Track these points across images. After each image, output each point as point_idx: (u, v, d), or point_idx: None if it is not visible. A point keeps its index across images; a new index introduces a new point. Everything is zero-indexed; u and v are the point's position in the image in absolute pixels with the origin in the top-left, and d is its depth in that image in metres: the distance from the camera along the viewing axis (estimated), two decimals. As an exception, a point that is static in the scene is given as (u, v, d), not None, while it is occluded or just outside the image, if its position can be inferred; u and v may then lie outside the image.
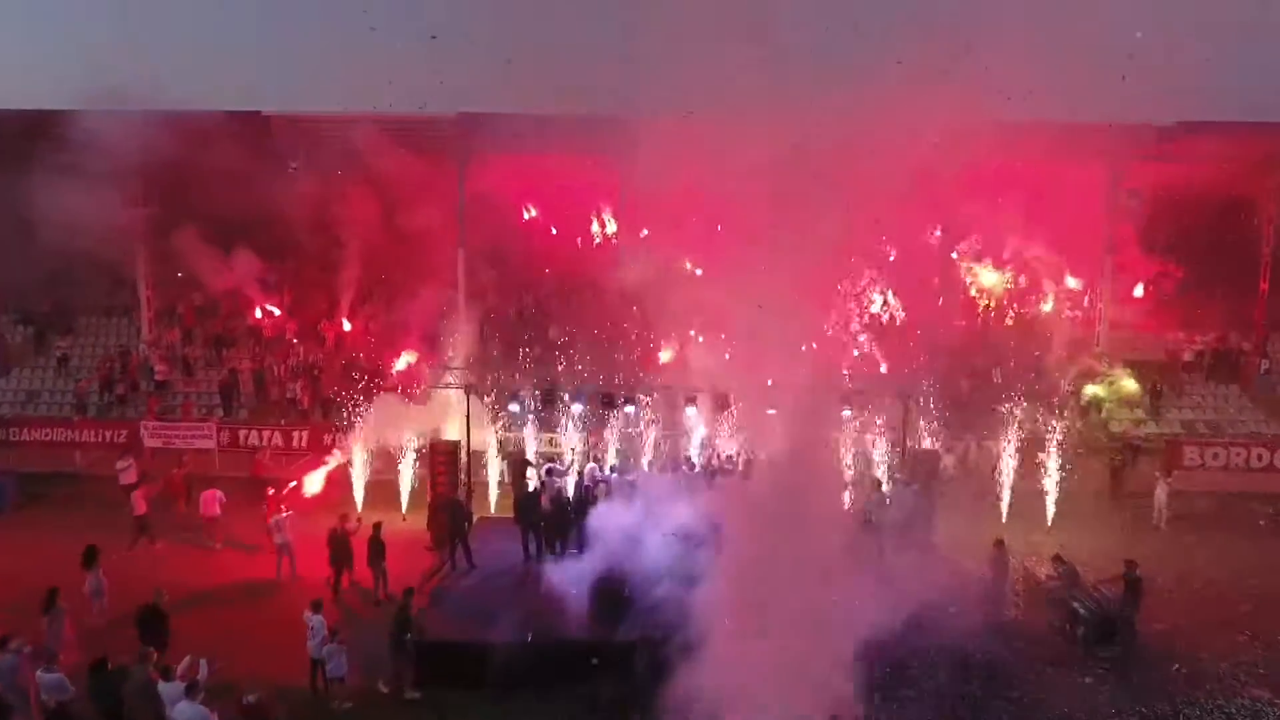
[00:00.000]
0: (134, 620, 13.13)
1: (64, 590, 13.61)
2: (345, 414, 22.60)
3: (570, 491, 17.67)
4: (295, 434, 24.52)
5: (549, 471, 17.90)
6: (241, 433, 24.72)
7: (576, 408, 19.02)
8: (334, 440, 22.69)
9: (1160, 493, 20.88)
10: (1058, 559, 15.86)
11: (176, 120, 25.09)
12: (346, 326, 29.63)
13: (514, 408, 18.91)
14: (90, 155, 23.49)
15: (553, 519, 16.38)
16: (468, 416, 19.03)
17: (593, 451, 20.04)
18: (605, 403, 18.99)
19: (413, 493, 21.12)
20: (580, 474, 18.22)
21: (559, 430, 20.02)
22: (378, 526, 16.65)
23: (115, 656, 11.77)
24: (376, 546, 16.56)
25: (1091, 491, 22.01)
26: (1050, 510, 20.81)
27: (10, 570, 16.90)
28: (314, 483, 20.35)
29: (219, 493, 19.26)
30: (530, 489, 18.00)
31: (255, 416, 25.89)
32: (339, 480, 21.11)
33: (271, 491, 18.59)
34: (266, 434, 24.50)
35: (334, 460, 21.08)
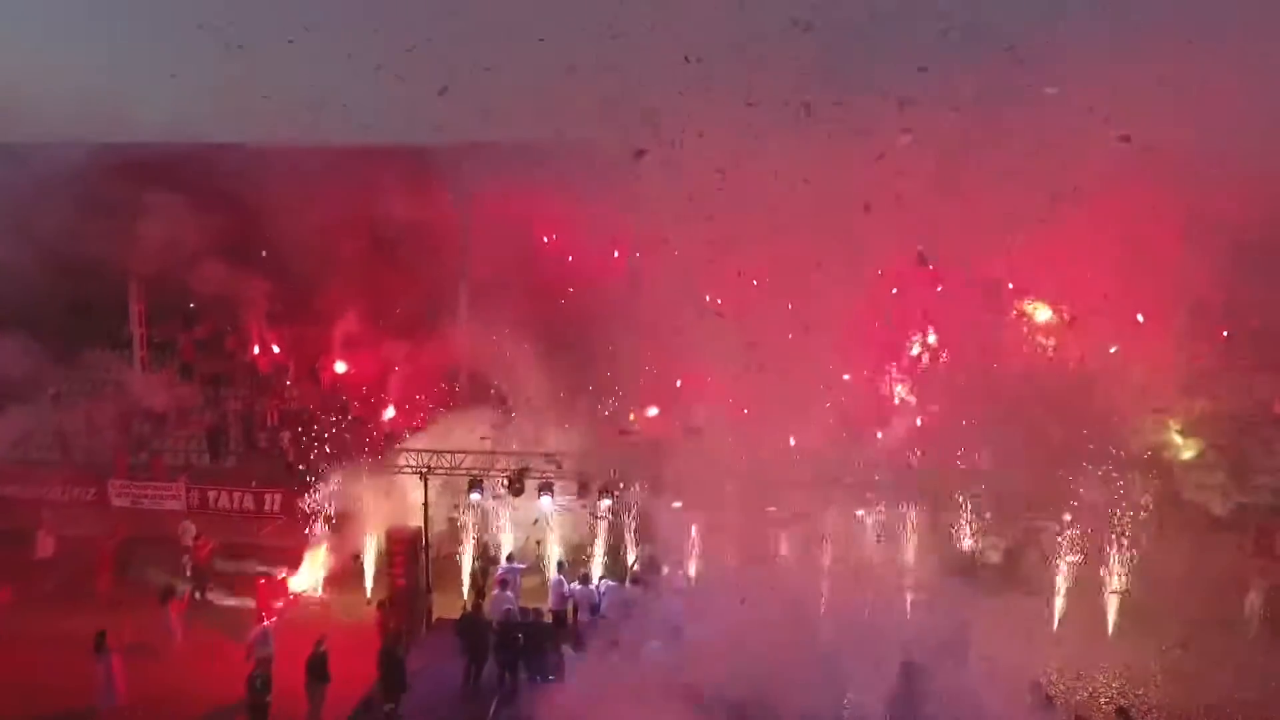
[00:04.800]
0: None
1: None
2: (324, 473, 20.51)
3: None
4: (268, 497, 22.52)
5: (500, 577, 15.54)
6: (211, 494, 22.87)
7: (545, 501, 16.40)
8: (311, 508, 20.73)
9: (1254, 597, 17.41)
10: (1122, 713, 12.95)
11: (173, 152, 24.20)
12: (340, 368, 27.80)
13: (475, 496, 16.55)
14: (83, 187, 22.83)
15: (501, 642, 13.91)
16: (425, 503, 16.77)
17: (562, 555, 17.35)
18: (580, 491, 16.41)
19: (377, 577, 18.78)
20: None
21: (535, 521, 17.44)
22: (319, 643, 14.24)
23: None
24: (318, 665, 14.13)
25: (1161, 580, 18.69)
26: (1112, 612, 17.71)
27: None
28: (303, 580, 18.72)
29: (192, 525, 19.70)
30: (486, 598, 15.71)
31: (234, 472, 24.09)
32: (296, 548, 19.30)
33: (263, 581, 17.42)
34: (238, 495, 22.67)
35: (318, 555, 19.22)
